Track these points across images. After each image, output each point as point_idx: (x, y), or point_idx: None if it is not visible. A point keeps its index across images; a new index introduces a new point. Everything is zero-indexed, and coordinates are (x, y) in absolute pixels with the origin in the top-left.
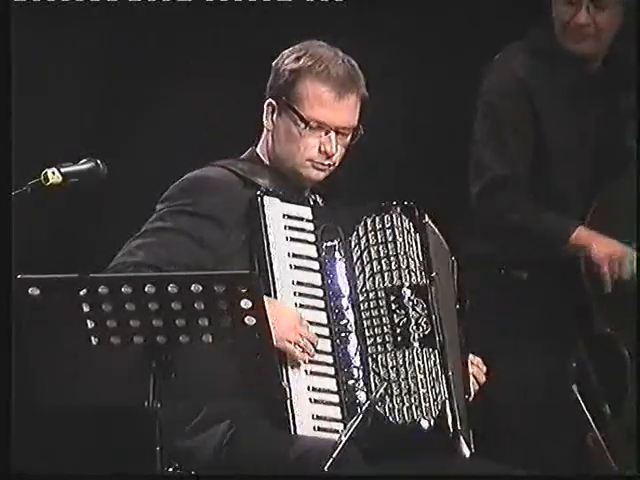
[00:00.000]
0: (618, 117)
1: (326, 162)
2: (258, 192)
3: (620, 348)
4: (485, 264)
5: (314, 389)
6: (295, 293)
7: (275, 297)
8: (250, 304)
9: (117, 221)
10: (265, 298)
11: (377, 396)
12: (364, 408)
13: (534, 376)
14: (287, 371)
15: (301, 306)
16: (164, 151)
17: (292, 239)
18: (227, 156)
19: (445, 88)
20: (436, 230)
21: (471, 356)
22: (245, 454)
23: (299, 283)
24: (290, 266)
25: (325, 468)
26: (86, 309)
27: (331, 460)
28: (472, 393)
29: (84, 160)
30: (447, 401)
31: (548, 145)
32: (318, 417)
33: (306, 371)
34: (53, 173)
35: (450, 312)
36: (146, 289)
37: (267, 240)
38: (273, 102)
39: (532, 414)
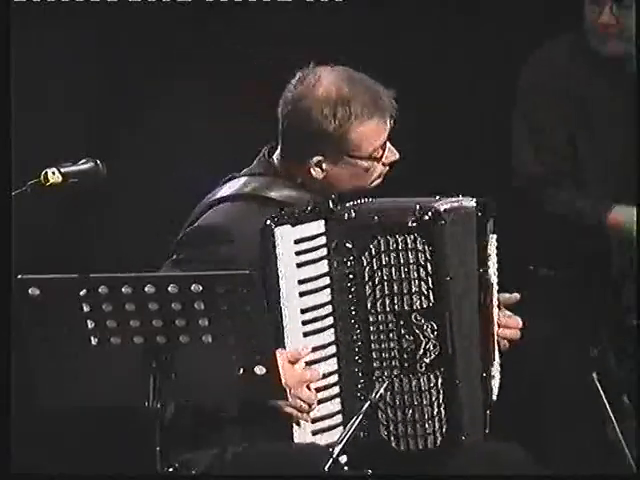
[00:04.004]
0: None
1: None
2: (268, 222)
3: None
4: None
5: (317, 419)
6: (304, 322)
7: (283, 330)
8: (250, 305)
9: (117, 221)
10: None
11: (376, 396)
12: (364, 408)
13: (559, 368)
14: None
15: (307, 335)
16: (164, 151)
17: (302, 264)
18: (227, 156)
19: (445, 88)
20: (465, 209)
21: (501, 314)
22: (244, 462)
23: (307, 310)
24: (299, 294)
25: (325, 468)
26: (86, 309)
27: (331, 460)
28: (496, 361)
29: (84, 160)
30: (451, 424)
31: (584, 143)
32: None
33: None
34: (53, 173)
35: (474, 299)
36: (146, 289)
37: (277, 276)
38: (320, 158)
39: (555, 405)
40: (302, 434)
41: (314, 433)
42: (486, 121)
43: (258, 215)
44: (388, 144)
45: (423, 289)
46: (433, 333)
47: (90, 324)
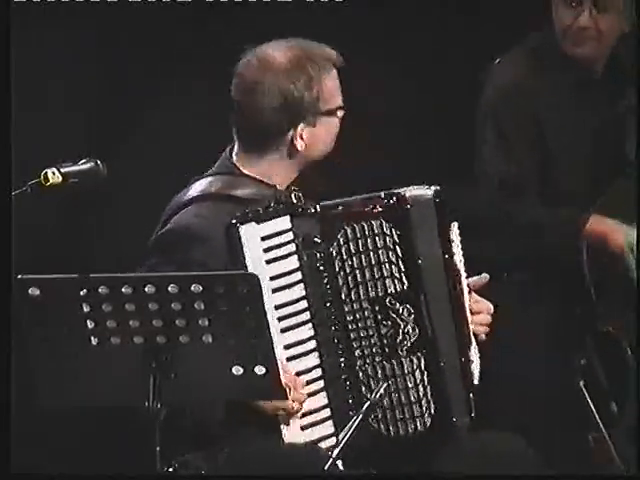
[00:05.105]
0: (620, 119)
1: None
2: (233, 220)
3: (623, 346)
4: (488, 267)
5: (305, 414)
6: (279, 318)
7: None
8: (250, 305)
9: (117, 221)
10: None
11: (377, 396)
12: (364, 408)
13: (542, 375)
14: None
15: (284, 331)
16: (164, 151)
17: (271, 260)
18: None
19: (444, 88)
20: (427, 196)
21: (473, 300)
22: (243, 463)
23: (281, 306)
24: (272, 291)
25: (325, 467)
26: (86, 309)
27: (331, 460)
28: (472, 345)
29: (84, 160)
30: (439, 406)
31: (551, 147)
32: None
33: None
34: (53, 173)
35: (444, 284)
36: (146, 289)
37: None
38: (299, 128)
39: (538, 412)
40: (291, 430)
41: (303, 428)
42: None
43: (226, 214)
44: None
45: (395, 272)
46: (410, 316)
47: (90, 324)
